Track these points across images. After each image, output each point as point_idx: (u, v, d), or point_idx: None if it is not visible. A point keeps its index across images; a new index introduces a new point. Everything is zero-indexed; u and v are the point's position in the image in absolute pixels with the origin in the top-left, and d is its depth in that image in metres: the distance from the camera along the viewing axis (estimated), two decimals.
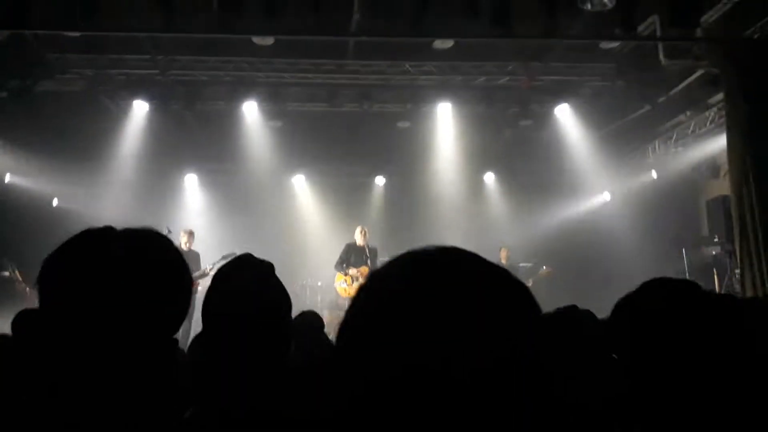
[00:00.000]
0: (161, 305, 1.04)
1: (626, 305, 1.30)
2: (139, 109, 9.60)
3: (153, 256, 1.07)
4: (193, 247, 8.91)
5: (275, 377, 1.41)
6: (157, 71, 9.03)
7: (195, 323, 8.89)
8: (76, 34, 7.45)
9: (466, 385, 0.61)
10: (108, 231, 1.10)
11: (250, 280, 1.50)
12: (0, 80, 7.78)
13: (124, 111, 9.77)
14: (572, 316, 2.98)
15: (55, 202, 9.96)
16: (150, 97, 9.38)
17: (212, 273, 7.86)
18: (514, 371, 0.63)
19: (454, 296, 0.65)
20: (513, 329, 0.65)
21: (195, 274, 8.52)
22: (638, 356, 1.20)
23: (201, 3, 6.89)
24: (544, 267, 10.27)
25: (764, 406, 1.09)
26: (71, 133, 9.28)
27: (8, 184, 8.95)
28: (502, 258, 9.91)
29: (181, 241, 8.75)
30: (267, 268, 1.54)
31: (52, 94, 8.63)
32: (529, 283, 9.95)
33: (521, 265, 10.28)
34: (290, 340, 1.55)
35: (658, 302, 1.24)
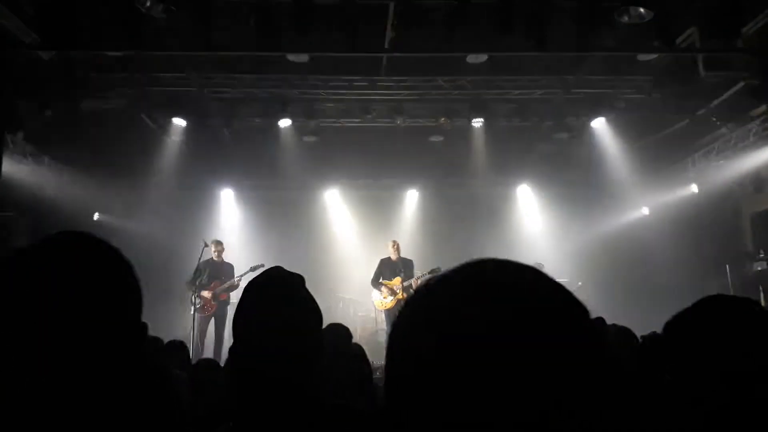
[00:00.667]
0: (105, 305, 0.99)
1: (681, 323, 1.23)
2: (177, 126, 9.83)
3: (74, 260, 1.02)
4: (227, 260, 8.99)
5: (307, 390, 1.40)
6: (194, 89, 9.24)
7: (228, 336, 8.89)
8: (119, 53, 7.69)
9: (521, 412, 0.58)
10: (12, 258, 1.02)
11: (280, 293, 1.50)
12: (46, 99, 8.05)
13: (162, 128, 10.01)
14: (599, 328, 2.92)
15: (96, 217, 10.22)
16: (187, 114, 9.60)
17: (241, 284, 7.95)
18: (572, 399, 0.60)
19: (510, 316, 0.61)
20: (573, 352, 0.62)
21: (223, 286, 8.57)
22: (695, 375, 1.14)
23: (237, 22, 7.04)
24: (579, 283, 10.15)
25: None
26: (112, 149, 9.54)
27: (52, 199, 9.23)
28: None
29: (211, 251, 8.80)
30: (297, 280, 1.54)
31: (94, 112, 8.90)
32: None
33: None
34: (321, 353, 1.53)
35: (717, 320, 1.18)
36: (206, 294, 8.48)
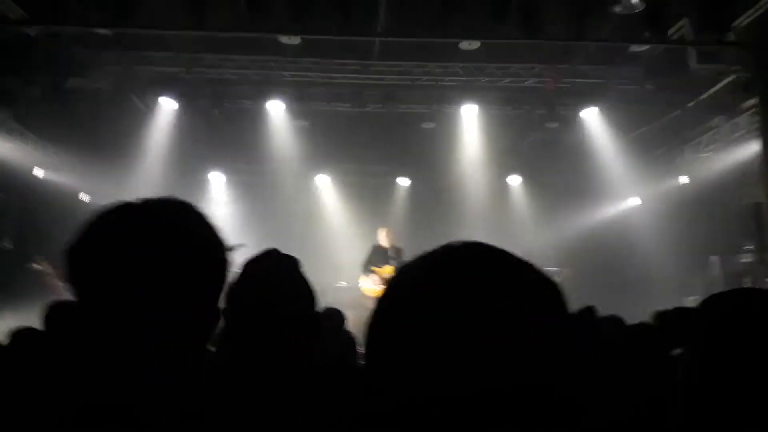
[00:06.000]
0: (199, 280, 0.97)
1: (722, 304, 1.20)
2: (167, 106, 9.72)
3: (183, 229, 0.98)
4: None
5: (301, 373, 1.38)
6: (184, 69, 9.12)
7: None
8: (108, 31, 7.57)
9: (493, 397, 0.60)
10: (128, 208, 0.98)
11: (278, 272, 1.48)
12: (31, 76, 7.92)
13: (151, 108, 9.89)
14: (589, 318, 2.94)
15: (82, 197, 10.11)
16: (177, 95, 9.49)
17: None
18: (538, 378, 0.61)
19: (478, 296, 0.64)
20: (539, 331, 0.64)
21: None
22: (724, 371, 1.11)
23: (229, 2, 6.95)
24: (567, 269, 10.24)
25: None
26: (100, 129, 9.42)
27: (37, 179, 9.12)
28: None
29: None
30: (293, 261, 1.53)
31: (81, 91, 8.77)
32: None
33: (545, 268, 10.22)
34: (317, 334, 1.51)
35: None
36: None
